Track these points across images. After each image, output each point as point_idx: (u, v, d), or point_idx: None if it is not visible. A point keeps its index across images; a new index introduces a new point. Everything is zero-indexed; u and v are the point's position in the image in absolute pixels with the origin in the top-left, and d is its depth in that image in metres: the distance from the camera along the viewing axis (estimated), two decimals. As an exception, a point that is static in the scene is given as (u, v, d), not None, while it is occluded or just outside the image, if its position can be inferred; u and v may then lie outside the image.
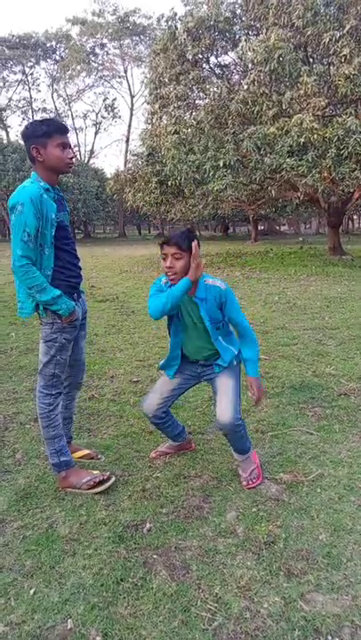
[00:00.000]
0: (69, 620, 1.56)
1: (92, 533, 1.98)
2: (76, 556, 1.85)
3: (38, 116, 43.12)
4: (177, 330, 2.27)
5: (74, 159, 2.16)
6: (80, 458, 2.53)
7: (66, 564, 1.81)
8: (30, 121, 2.24)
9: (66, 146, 2.10)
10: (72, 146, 2.15)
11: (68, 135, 2.14)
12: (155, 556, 1.84)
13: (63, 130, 2.10)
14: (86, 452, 2.58)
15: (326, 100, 9.96)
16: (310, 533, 1.95)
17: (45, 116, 42.48)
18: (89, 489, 2.22)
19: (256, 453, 2.43)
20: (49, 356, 2.16)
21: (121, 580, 1.73)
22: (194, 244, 2.06)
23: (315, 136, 9.46)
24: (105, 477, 2.26)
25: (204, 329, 2.21)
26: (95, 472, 2.30)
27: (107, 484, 2.24)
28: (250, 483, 2.27)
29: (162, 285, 2.16)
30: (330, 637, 1.49)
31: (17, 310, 2.17)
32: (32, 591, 1.68)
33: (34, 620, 1.56)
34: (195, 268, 2.04)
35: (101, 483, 2.24)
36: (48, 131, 2.04)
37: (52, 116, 42.52)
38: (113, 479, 2.29)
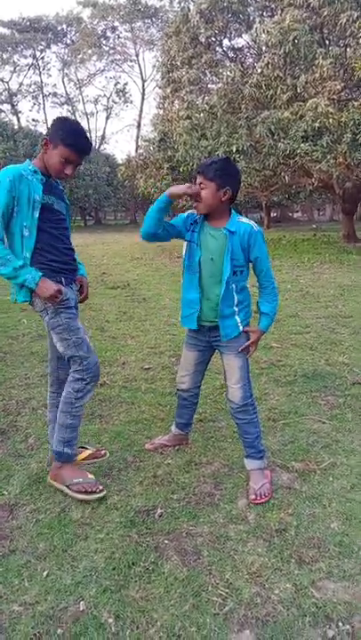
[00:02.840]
0: (82, 602, 1.58)
1: (103, 518, 2.00)
2: (88, 540, 1.87)
3: (49, 101, 43.01)
4: (193, 267, 2.14)
5: (68, 177, 2.10)
6: (84, 460, 2.39)
7: (78, 548, 1.83)
8: (70, 118, 2.20)
9: (70, 163, 2.04)
10: (77, 165, 2.09)
11: (83, 156, 2.09)
12: (166, 542, 1.86)
13: (80, 151, 2.04)
14: (89, 451, 2.44)
15: (342, 84, 9.74)
16: (322, 522, 1.95)
17: (56, 101, 42.28)
18: (75, 492, 2.08)
19: (270, 472, 2.27)
20: (63, 341, 2.07)
21: (133, 564, 1.74)
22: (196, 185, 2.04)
23: (330, 120, 9.27)
24: (96, 489, 2.10)
25: (221, 267, 2.06)
26: (91, 477, 2.15)
27: (95, 496, 2.08)
28: (258, 497, 2.08)
29: (189, 213, 2.17)
30: (341, 624, 1.49)
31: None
32: (45, 573, 1.70)
33: (47, 601, 1.59)
34: (182, 187, 2.01)
35: (91, 493, 2.09)
36: (66, 139, 1.99)
37: (63, 100, 42.24)
38: (104, 493, 2.11)
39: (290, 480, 2.24)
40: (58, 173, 2.06)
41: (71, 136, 2.01)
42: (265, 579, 1.67)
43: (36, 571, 1.72)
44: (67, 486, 2.11)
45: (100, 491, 2.11)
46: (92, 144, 2.15)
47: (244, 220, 2.11)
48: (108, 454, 2.48)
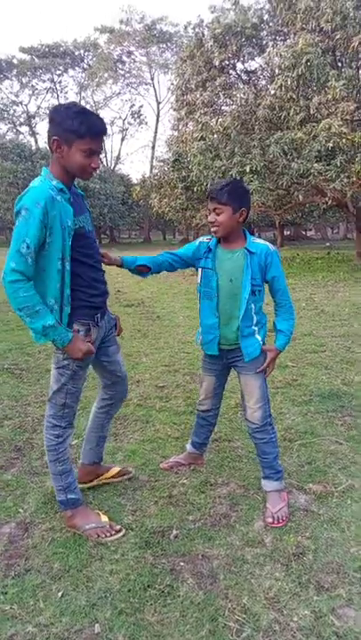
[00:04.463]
0: (97, 625, 1.56)
1: (118, 538, 1.98)
2: (103, 561, 1.85)
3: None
4: (210, 292, 2.12)
5: (97, 169, 1.84)
6: (112, 477, 2.38)
7: (93, 568, 1.81)
8: (66, 103, 1.79)
9: (94, 153, 1.77)
10: (101, 151, 1.84)
11: (103, 138, 1.82)
12: (182, 564, 1.83)
13: (98, 133, 1.77)
14: (117, 469, 2.40)
15: (355, 105, 9.83)
16: (341, 546, 1.91)
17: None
18: (91, 537, 1.97)
19: (287, 494, 2.23)
20: (60, 384, 1.94)
21: (148, 586, 1.72)
22: None
23: (343, 140, 9.35)
24: (112, 533, 1.98)
25: (240, 287, 2.05)
26: (104, 519, 2.03)
27: (111, 538, 1.96)
28: (275, 521, 2.04)
29: (200, 241, 2.18)
30: (362, 655, 1.44)
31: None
32: (60, 594, 1.69)
33: (62, 623, 1.57)
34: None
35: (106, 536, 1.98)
36: (80, 130, 1.71)
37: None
38: (122, 533, 1.99)
39: (307, 502, 2.21)
40: (85, 172, 1.80)
41: (82, 123, 1.71)
42: (283, 604, 1.63)
43: (51, 591, 1.71)
44: (82, 532, 1.99)
45: (119, 530, 2.00)
46: (102, 118, 1.83)
47: (259, 240, 2.13)
48: (133, 472, 2.46)
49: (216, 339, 2.16)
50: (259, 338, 2.15)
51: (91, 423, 2.32)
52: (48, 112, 1.76)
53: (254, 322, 2.12)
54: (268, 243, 2.13)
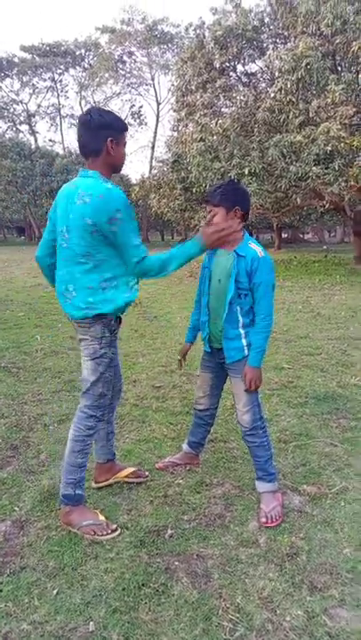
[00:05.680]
0: (91, 623, 1.57)
1: (114, 537, 1.99)
2: (98, 559, 1.86)
3: (66, 122, 44.00)
4: (203, 290, 2.24)
5: None
6: (126, 477, 2.38)
7: (88, 567, 1.82)
8: (97, 107, 2.01)
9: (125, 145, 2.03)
10: None
11: None
12: (176, 563, 1.84)
13: (127, 128, 2.04)
14: (131, 469, 2.41)
15: (354, 109, 9.87)
16: (334, 547, 1.93)
17: (73, 122, 43.23)
18: (86, 534, 1.98)
19: (281, 495, 2.24)
20: (98, 374, 2.00)
21: (142, 585, 1.73)
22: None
23: (342, 144, 9.39)
24: (108, 531, 1.99)
25: (226, 289, 2.08)
26: (101, 518, 2.05)
27: (106, 537, 1.98)
28: (269, 520, 2.05)
29: None
30: (354, 654, 1.46)
31: (67, 309, 1.99)
32: (55, 592, 1.70)
33: (56, 621, 1.58)
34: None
35: (102, 535, 1.99)
36: (123, 126, 1.96)
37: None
38: (118, 532, 2.01)
39: (301, 503, 2.22)
40: (123, 163, 2.03)
41: (120, 120, 1.97)
42: (276, 604, 1.65)
43: (46, 589, 1.72)
44: (77, 529, 2.00)
45: (113, 531, 2.00)
46: None
47: (254, 245, 2.11)
48: (148, 476, 2.43)
49: (208, 336, 2.24)
50: (244, 342, 2.12)
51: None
52: (90, 119, 1.90)
53: (240, 324, 2.12)
54: (260, 249, 2.10)
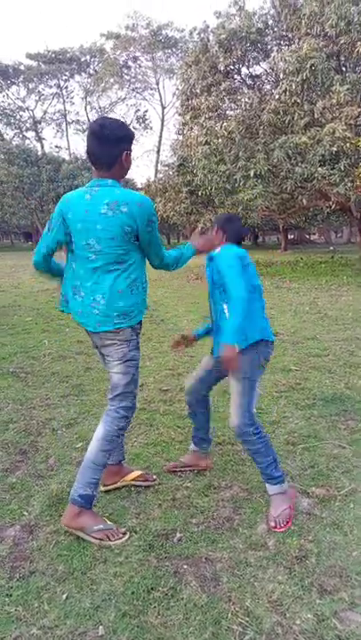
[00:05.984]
0: (100, 627, 1.57)
1: (123, 542, 1.99)
2: (107, 563, 1.87)
3: (72, 128, 44.32)
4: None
5: None
6: (133, 480, 2.38)
7: (97, 571, 1.83)
8: (109, 119, 2.02)
9: None
10: None
11: None
12: (185, 566, 1.84)
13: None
14: (139, 472, 2.41)
15: (359, 109, 9.85)
16: (343, 549, 1.91)
17: (79, 128, 43.51)
18: (98, 539, 1.97)
19: (293, 491, 2.23)
20: (130, 376, 2.07)
21: (151, 588, 1.73)
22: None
23: (347, 145, 9.37)
24: (118, 536, 1.99)
25: (210, 289, 2.29)
26: (110, 523, 2.05)
27: (116, 542, 1.97)
28: (277, 525, 2.03)
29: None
30: (365, 658, 1.45)
31: (90, 322, 2.01)
32: (64, 596, 1.70)
33: (66, 625, 1.58)
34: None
35: (112, 540, 1.98)
36: (133, 136, 2.05)
37: (85, 127, 43.51)
38: (127, 536, 2.01)
39: (310, 506, 2.21)
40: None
41: (129, 130, 2.04)
42: (286, 608, 1.64)
43: (56, 593, 1.72)
44: (87, 533, 1.98)
45: (123, 534, 2.01)
46: None
47: (225, 248, 2.21)
48: (157, 480, 2.44)
49: (208, 325, 2.42)
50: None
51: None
52: (106, 134, 1.94)
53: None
54: (225, 248, 2.19)
